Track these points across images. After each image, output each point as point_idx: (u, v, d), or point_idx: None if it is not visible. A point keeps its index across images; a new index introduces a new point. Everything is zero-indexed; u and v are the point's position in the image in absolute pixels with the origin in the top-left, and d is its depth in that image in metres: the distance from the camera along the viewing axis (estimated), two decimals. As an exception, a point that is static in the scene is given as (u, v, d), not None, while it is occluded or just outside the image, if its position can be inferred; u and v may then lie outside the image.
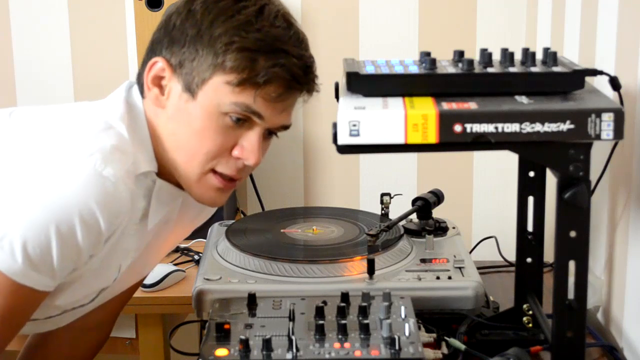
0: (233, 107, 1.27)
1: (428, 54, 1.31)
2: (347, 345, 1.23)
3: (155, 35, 1.33)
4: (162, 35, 1.31)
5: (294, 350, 1.22)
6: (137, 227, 1.34)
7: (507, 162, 2.32)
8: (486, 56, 1.30)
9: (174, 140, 1.31)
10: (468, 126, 1.17)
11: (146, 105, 1.33)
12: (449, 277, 1.52)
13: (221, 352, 1.23)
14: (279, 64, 1.25)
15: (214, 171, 1.32)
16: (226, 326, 1.27)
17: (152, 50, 1.33)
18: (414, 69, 1.29)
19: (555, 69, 1.28)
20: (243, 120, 1.28)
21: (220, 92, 1.26)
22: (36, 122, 1.33)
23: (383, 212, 1.81)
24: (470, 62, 1.27)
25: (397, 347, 1.22)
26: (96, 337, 1.66)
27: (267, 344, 1.22)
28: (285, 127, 1.34)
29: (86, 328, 1.60)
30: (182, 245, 2.09)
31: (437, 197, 1.80)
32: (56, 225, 1.18)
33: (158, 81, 1.31)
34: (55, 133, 1.28)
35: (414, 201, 1.78)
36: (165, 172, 1.34)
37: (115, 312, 1.66)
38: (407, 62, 1.35)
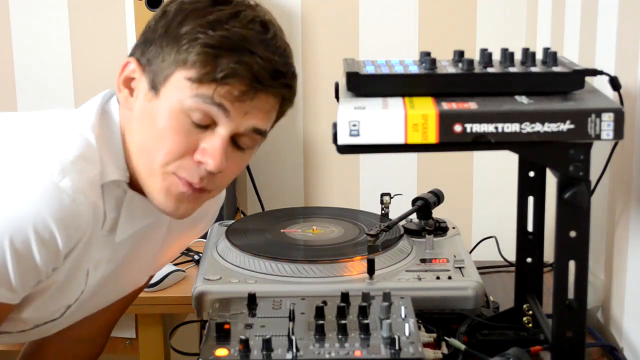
0: (194, 100, 1.21)
1: (428, 54, 1.31)
2: (347, 345, 1.23)
3: (136, 41, 1.31)
4: (139, 39, 1.30)
5: (294, 350, 1.22)
6: (107, 239, 1.30)
7: (507, 162, 2.32)
8: (486, 56, 1.30)
9: (138, 143, 1.27)
10: (468, 126, 1.17)
11: (120, 112, 1.30)
12: (449, 277, 1.52)
13: (221, 352, 1.22)
14: (241, 61, 1.20)
15: (176, 176, 1.25)
16: (226, 326, 1.27)
17: (130, 55, 1.30)
18: (414, 69, 1.29)
19: (555, 69, 1.28)
20: (206, 124, 1.23)
21: (181, 87, 1.21)
22: (4, 131, 1.30)
23: (383, 212, 1.81)
24: (470, 62, 1.27)
25: (397, 347, 1.22)
26: (89, 350, 1.64)
27: (267, 344, 1.22)
28: (258, 131, 1.26)
29: (77, 340, 1.58)
30: (182, 245, 2.09)
31: (437, 197, 1.80)
32: (10, 239, 1.16)
33: (128, 83, 1.28)
34: (18, 142, 1.25)
35: (414, 201, 1.78)
36: (139, 185, 1.29)
37: (108, 326, 1.63)
38: (407, 62, 1.35)
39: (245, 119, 1.24)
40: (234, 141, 1.26)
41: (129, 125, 1.29)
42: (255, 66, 1.20)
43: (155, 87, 1.24)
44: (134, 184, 1.30)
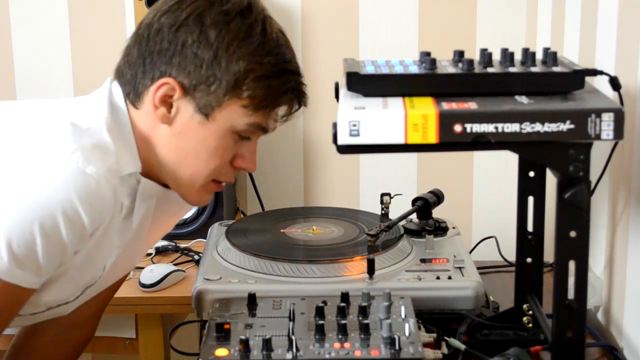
0: (247, 127, 1.32)
1: (428, 54, 1.31)
2: (347, 345, 1.23)
3: (157, 46, 1.30)
4: (166, 49, 1.30)
5: (294, 350, 1.22)
6: (122, 225, 1.34)
7: (507, 162, 2.32)
8: (486, 56, 1.30)
9: (179, 156, 1.34)
10: (468, 126, 1.17)
11: (137, 114, 1.33)
12: (449, 277, 1.52)
13: (221, 352, 1.23)
14: (289, 88, 1.32)
15: (214, 180, 1.37)
16: (226, 326, 1.27)
17: (152, 62, 1.31)
18: (414, 69, 1.29)
19: (555, 69, 1.28)
20: (248, 136, 1.35)
21: (235, 114, 1.31)
22: (18, 120, 1.33)
23: (383, 212, 1.81)
24: (470, 62, 1.27)
25: (397, 347, 1.22)
26: (81, 335, 1.67)
27: (267, 344, 1.22)
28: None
29: (71, 325, 1.61)
30: (182, 245, 2.10)
31: (437, 197, 1.80)
32: (40, 222, 1.19)
33: (167, 99, 1.31)
34: (38, 133, 1.28)
35: (414, 201, 1.78)
36: (148, 170, 1.35)
37: (100, 309, 1.66)
38: (407, 62, 1.35)
39: (276, 126, 1.38)
40: None
41: (158, 133, 1.33)
42: (300, 87, 1.35)
43: (205, 112, 1.31)
44: (144, 172, 1.35)
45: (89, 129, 1.28)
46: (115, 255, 1.39)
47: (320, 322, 1.28)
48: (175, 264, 2.01)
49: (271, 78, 1.30)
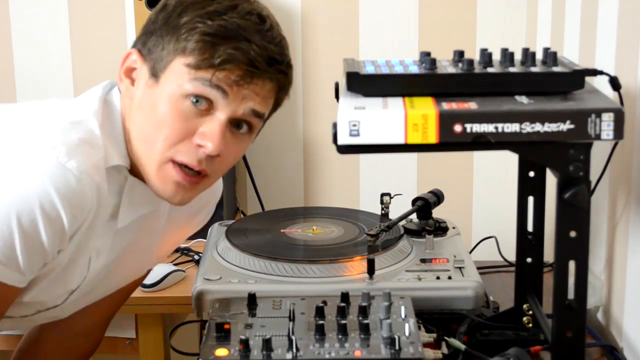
0: (193, 83, 1.24)
1: (428, 54, 1.31)
2: (347, 345, 1.23)
3: (138, 34, 1.35)
4: (140, 32, 1.33)
5: (294, 350, 1.22)
6: (107, 226, 1.32)
7: (507, 162, 2.32)
8: (486, 56, 1.30)
9: (138, 129, 1.29)
10: (468, 126, 1.17)
11: (122, 101, 1.33)
12: (449, 277, 1.52)
13: (221, 352, 1.23)
14: (237, 48, 1.23)
15: (173, 162, 1.27)
16: (226, 326, 1.27)
17: (132, 47, 1.34)
18: (414, 69, 1.29)
19: (555, 69, 1.28)
20: (205, 108, 1.25)
21: (180, 73, 1.25)
22: (6, 118, 1.32)
23: (383, 212, 1.81)
24: (470, 62, 1.27)
25: (397, 347, 1.22)
26: (84, 344, 1.65)
27: (267, 344, 1.22)
28: (257, 114, 1.29)
29: (74, 333, 1.60)
30: (182, 245, 2.09)
31: (437, 197, 1.80)
32: (17, 217, 1.18)
33: (130, 73, 1.32)
34: (22, 127, 1.27)
35: (414, 201, 1.78)
36: (139, 172, 1.32)
37: (104, 321, 1.64)
38: (407, 62, 1.35)
39: (243, 103, 1.27)
40: (234, 125, 1.29)
41: (129, 113, 1.31)
42: (252, 52, 1.24)
43: (155, 74, 1.28)
44: (135, 172, 1.32)
45: (80, 122, 1.27)
46: (105, 258, 1.36)
47: (320, 322, 1.28)
48: (175, 264, 2.01)
49: (216, 37, 1.23)
